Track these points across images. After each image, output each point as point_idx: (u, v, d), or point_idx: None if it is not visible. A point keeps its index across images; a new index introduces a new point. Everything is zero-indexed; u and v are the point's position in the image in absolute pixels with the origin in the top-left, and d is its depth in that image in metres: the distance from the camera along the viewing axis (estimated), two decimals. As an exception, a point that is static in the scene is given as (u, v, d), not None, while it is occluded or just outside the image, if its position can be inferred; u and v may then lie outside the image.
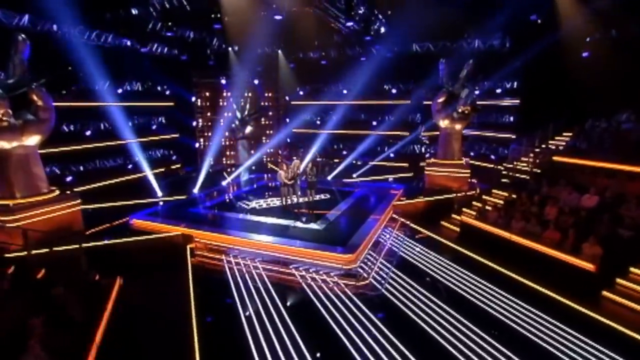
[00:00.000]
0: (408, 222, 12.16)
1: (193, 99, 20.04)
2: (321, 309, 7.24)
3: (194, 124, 20.34)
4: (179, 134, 19.31)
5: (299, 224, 10.80)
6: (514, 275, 8.21)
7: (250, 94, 19.41)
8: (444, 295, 7.64)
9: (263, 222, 11.33)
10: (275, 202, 13.35)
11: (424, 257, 9.76)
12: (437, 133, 15.80)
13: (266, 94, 21.71)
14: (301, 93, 21.79)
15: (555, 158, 11.62)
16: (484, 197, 12.34)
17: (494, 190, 12.54)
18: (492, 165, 16.76)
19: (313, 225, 10.88)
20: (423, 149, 19.83)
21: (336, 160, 18.96)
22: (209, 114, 21.10)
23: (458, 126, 14.96)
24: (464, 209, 11.45)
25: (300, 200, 12.89)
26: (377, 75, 18.51)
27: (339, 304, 7.46)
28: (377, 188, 15.02)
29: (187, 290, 7.74)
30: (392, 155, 19.61)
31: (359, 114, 20.84)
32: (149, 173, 15.68)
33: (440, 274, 8.72)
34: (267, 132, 22.14)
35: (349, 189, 15.10)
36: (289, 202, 12.39)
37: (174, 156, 19.04)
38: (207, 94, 20.81)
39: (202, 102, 20.71)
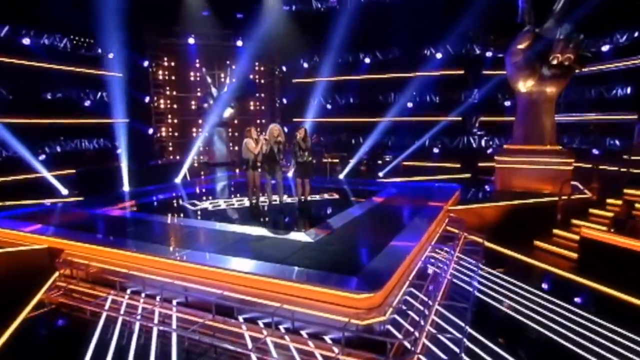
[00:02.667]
0: (480, 240, 7.89)
1: (146, 63, 16.57)
2: None
3: (147, 100, 16.79)
4: (130, 119, 15.76)
5: (266, 233, 6.86)
6: None
7: (230, 66, 16.45)
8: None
9: (210, 230, 7.38)
10: (245, 202, 9.38)
11: (525, 301, 5.74)
12: (498, 119, 12.13)
13: (255, 66, 18.15)
14: (305, 65, 18.18)
15: None
16: (609, 201, 8.78)
17: (627, 190, 8.77)
18: (592, 165, 12.36)
19: (297, 235, 6.75)
20: (483, 143, 15.74)
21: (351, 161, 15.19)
22: (170, 91, 17.54)
23: (551, 89, 10.84)
24: (574, 221, 8.58)
25: (287, 199, 8.98)
26: (416, 33, 15.10)
27: None
28: (417, 188, 11.32)
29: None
30: (436, 150, 15.78)
31: (388, 94, 17.36)
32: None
33: (569, 338, 4.81)
34: (257, 120, 18.45)
35: (370, 187, 11.30)
36: (260, 198, 8.68)
37: (118, 149, 15.38)
38: (171, 62, 17.30)
39: (163, 73, 17.26)
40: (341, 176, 13.94)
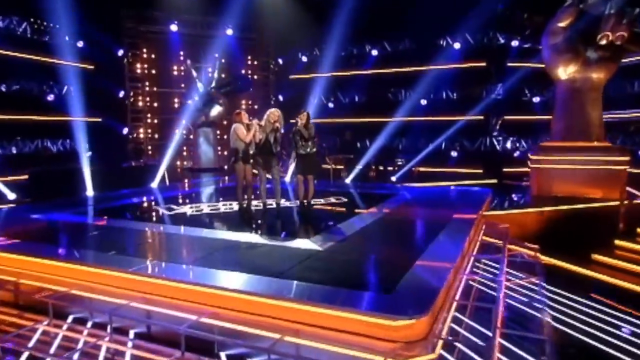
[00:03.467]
0: (532, 252, 6.70)
1: (121, 52, 15.49)
2: None
3: (122, 94, 15.67)
4: (102, 117, 14.66)
5: (261, 240, 5.69)
6: None
7: (219, 58, 15.36)
8: None
9: (187, 237, 6.14)
10: (233, 206, 8.15)
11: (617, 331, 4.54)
12: (526, 118, 12.49)
13: (248, 58, 17.18)
14: (304, 59, 17.27)
15: None
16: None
17: None
18: None
19: (300, 243, 5.54)
20: (509, 144, 14.80)
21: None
22: (150, 86, 16.45)
23: (598, 75, 9.88)
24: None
25: (284, 203, 7.83)
26: (431, 20, 14.12)
27: None
28: (439, 192, 10.39)
29: None
30: (454, 154, 15.06)
31: (398, 91, 16.57)
32: None
33: None
34: (250, 118, 17.39)
35: (383, 191, 10.17)
36: (252, 201, 7.58)
37: (90, 152, 14.16)
38: (151, 54, 16.23)
39: (141, 66, 16.18)
40: (347, 181, 12.94)
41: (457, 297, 4.69)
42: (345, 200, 8.96)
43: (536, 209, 8.49)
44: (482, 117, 14.94)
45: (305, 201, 7.64)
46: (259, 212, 7.58)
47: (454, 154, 15.32)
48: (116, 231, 6.50)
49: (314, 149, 7.34)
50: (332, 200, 8.84)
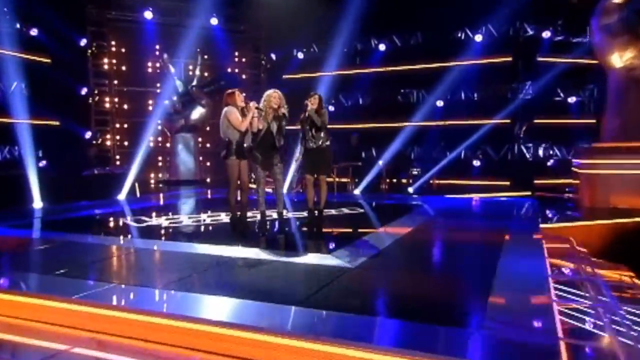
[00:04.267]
0: (628, 276, 5.58)
1: (83, 42, 14.35)
2: None
3: (84, 93, 14.47)
4: (61, 120, 13.39)
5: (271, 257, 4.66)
6: None
7: (202, 53, 14.53)
8: None
9: (162, 253, 4.97)
10: (223, 217, 7.03)
11: None
12: (560, 122, 12.12)
13: (235, 54, 16.19)
14: (300, 55, 16.30)
15: None
16: None
17: None
18: None
19: (320, 258, 4.60)
20: (541, 152, 14.19)
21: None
22: (119, 85, 15.31)
23: (662, 59, 8.89)
24: None
25: (287, 214, 6.80)
26: (447, 9, 13.52)
27: None
28: (472, 203, 10.02)
29: None
30: (476, 163, 14.27)
31: (410, 92, 15.74)
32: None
33: None
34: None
35: (405, 202, 9.35)
36: (243, 207, 6.52)
37: (44, 160, 12.88)
38: (121, 47, 15.23)
39: (109, 61, 15.06)
40: (356, 192, 12.06)
41: (559, 334, 3.50)
42: (362, 210, 8.09)
43: (611, 221, 7.39)
44: (508, 121, 13.99)
45: (315, 209, 6.61)
46: (257, 223, 6.52)
47: (476, 163, 14.33)
48: (63, 247, 5.27)
49: (327, 142, 6.49)
50: (346, 210, 7.84)
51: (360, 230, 6.41)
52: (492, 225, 6.91)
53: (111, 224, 7.42)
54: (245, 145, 6.20)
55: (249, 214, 6.69)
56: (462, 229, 6.89)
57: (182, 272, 4.06)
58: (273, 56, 16.62)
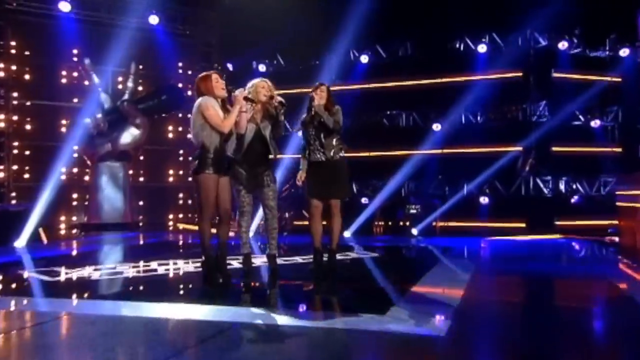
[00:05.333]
0: None
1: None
2: None
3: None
4: None
5: None
6: None
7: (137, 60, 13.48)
8: None
9: (87, 319, 3.55)
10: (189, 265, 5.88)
11: None
12: (581, 150, 12.31)
13: (179, 63, 15.07)
14: (262, 68, 15.50)
15: None
16: None
17: None
18: None
19: (373, 321, 3.78)
20: (562, 186, 13.59)
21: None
22: (20, 98, 13.42)
23: None
24: None
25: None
26: (443, 15, 13.20)
27: None
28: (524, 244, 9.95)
29: None
30: (484, 200, 13.51)
31: (399, 113, 15.05)
32: None
33: None
34: (179, 152, 15.41)
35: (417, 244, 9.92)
36: (222, 249, 5.52)
37: None
38: (25, 49, 13.61)
39: (6, 67, 13.21)
40: (347, 234, 11.33)
41: None
42: (376, 254, 7.64)
43: None
44: (520, 149, 13.42)
45: (326, 250, 5.85)
46: (244, 271, 5.55)
47: (483, 200, 13.43)
48: None
49: (342, 152, 5.75)
50: (364, 254, 7.12)
51: (395, 280, 5.96)
52: (569, 272, 6.81)
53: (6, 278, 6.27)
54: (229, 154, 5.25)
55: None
56: (534, 277, 6.47)
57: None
58: (230, 67, 15.36)
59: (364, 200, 13.61)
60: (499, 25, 13.51)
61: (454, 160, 13.80)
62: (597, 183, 13.20)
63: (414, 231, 11.81)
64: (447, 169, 13.83)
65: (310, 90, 5.74)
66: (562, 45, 13.08)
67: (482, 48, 13.66)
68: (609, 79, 13.05)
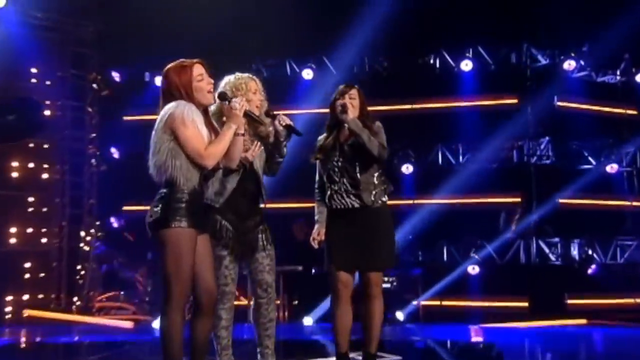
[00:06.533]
0: None
1: None
2: None
3: None
4: None
5: None
6: None
7: None
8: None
9: None
10: None
11: None
12: (593, 203, 12.07)
13: (32, 69, 13.20)
14: (157, 82, 14.19)
15: None
16: None
17: None
18: None
19: None
20: (574, 251, 12.76)
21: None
22: None
23: None
24: None
25: None
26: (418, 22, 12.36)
27: None
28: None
29: None
30: (473, 270, 12.54)
31: None
32: None
33: None
34: (29, 200, 13.11)
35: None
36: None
37: None
38: None
39: None
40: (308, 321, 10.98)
41: None
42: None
43: None
44: (518, 200, 12.48)
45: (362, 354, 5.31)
46: None
47: (472, 270, 12.26)
48: None
49: (385, 197, 5.05)
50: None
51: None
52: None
53: None
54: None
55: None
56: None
57: None
58: (116, 76, 13.76)
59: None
60: (487, 36, 12.59)
61: (429, 214, 12.73)
62: (611, 247, 12.27)
63: (399, 315, 10.65)
64: (421, 226, 12.69)
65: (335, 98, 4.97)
66: (569, 65, 12.27)
67: (466, 65, 12.67)
68: (621, 110, 12.50)
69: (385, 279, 11.07)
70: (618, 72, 12.55)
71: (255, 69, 13.18)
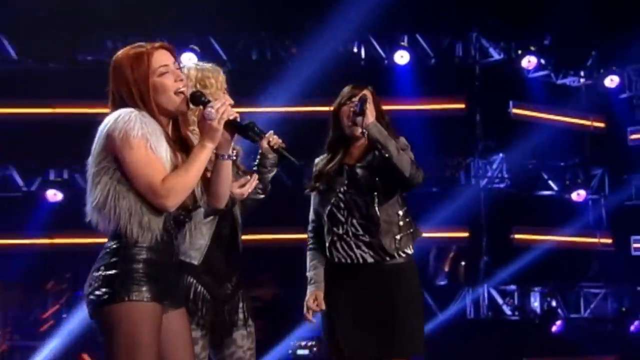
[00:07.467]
0: None
1: None
2: None
3: None
4: None
5: None
6: None
7: None
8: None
9: None
10: None
11: None
12: (540, 238, 11.58)
13: None
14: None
15: None
16: None
17: None
18: None
19: None
20: (535, 303, 12.57)
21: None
22: None
23: None
24: None
25: None
26: None
27: None
28: None
29: None
30: None
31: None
32: None
33: None
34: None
35: None
36: None
37: None
38: None
39: None
40: None
41: None
42: None
43: None
44: (466, 234, 11.50)
45: None
46: None
47: None
48: None
49: (409, 247, 4.36)
50: None
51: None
52: None
53: None
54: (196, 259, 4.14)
55: None
56: None
57: None
58: None
59: None
60: (427, 21, 11.54)
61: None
62: (574, 295, 11.64)
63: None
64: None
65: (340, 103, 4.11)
66: (528, 62, 11.29)
67: (401, 57, 11.29)
68: (588, 122, 11.66)
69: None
70: (582, 74, 11.81)
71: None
